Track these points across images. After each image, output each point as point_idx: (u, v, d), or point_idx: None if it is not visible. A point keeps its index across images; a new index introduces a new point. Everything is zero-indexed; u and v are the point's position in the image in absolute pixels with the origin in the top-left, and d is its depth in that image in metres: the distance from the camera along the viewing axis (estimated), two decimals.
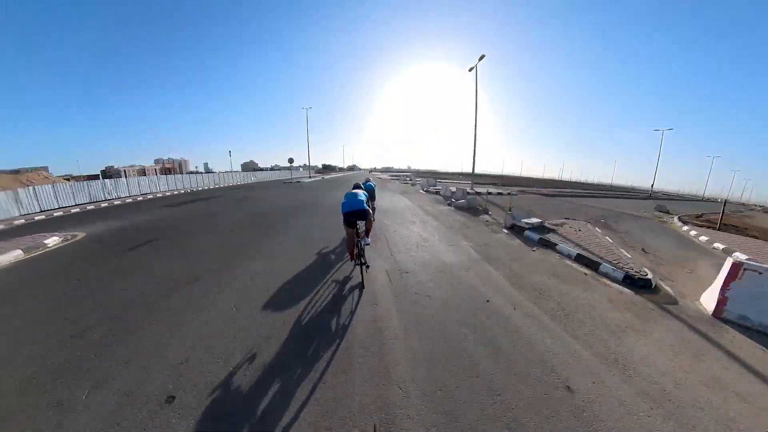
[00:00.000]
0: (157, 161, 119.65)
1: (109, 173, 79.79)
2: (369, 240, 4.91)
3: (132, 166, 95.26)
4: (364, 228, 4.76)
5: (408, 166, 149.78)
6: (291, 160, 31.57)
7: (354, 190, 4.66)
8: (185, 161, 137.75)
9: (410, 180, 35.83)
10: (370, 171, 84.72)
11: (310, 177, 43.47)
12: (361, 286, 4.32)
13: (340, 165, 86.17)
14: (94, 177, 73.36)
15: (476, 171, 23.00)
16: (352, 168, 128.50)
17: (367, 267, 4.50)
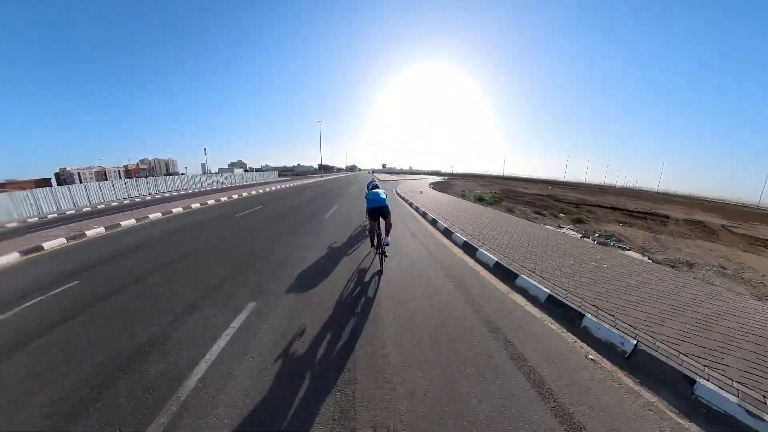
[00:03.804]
0: (142, 161, 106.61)
1: (62, 176, 66.47)
2: (389, 239, 5.17)
3: (89, 167, 77.26)
4: (384, 224, 5.06)
5: (410, 167, 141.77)
6: None
7: (374, 190, 5.30)
8: (173, 161, 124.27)
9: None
10: (371, 172, 77.19)
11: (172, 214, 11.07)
12: (380, 271, 4.73)
13: (339, 165, 76.49)
14: (45, 181, 60.23)
15: (475, 171, 13.74)
16: (351, 168, 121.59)
17: (386, 256, 4.91)
